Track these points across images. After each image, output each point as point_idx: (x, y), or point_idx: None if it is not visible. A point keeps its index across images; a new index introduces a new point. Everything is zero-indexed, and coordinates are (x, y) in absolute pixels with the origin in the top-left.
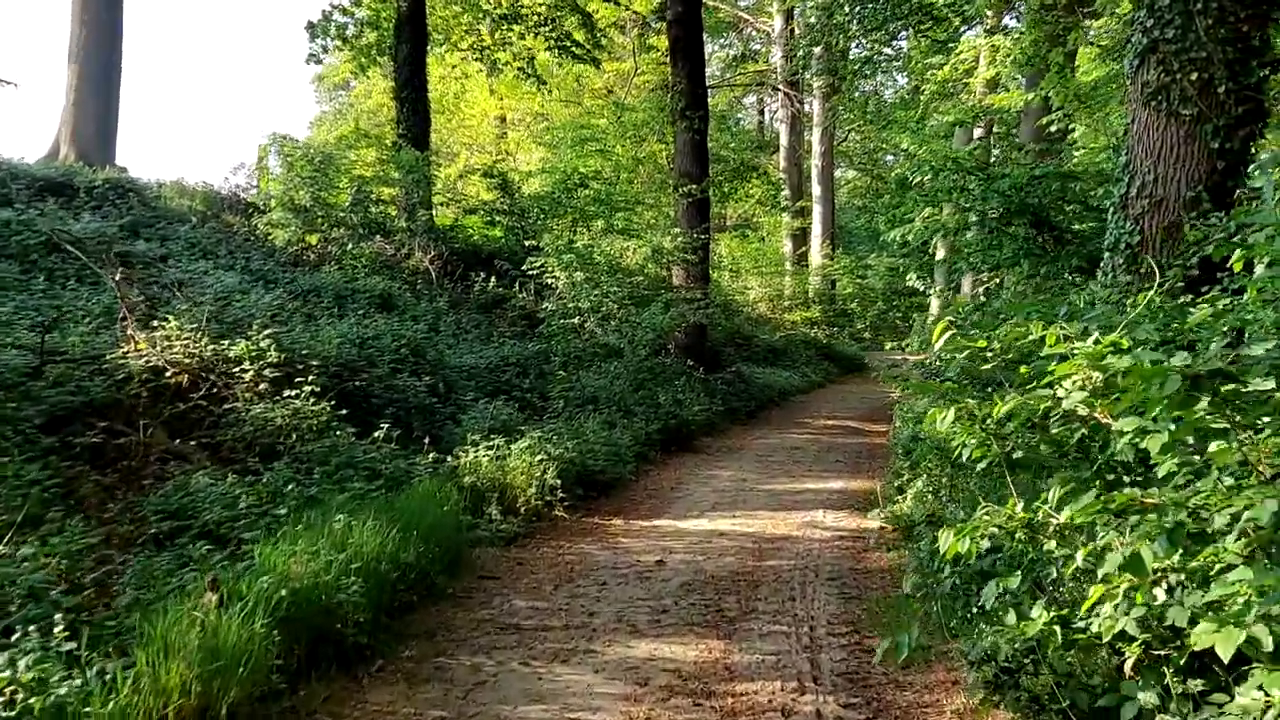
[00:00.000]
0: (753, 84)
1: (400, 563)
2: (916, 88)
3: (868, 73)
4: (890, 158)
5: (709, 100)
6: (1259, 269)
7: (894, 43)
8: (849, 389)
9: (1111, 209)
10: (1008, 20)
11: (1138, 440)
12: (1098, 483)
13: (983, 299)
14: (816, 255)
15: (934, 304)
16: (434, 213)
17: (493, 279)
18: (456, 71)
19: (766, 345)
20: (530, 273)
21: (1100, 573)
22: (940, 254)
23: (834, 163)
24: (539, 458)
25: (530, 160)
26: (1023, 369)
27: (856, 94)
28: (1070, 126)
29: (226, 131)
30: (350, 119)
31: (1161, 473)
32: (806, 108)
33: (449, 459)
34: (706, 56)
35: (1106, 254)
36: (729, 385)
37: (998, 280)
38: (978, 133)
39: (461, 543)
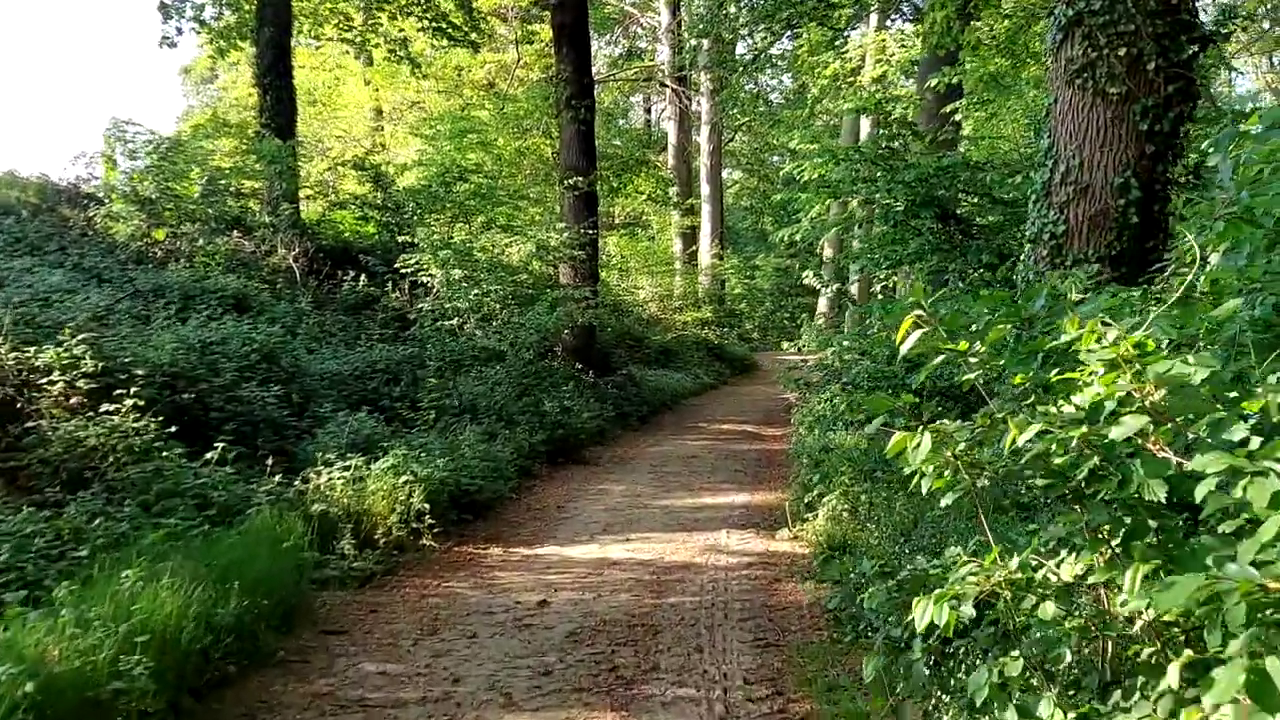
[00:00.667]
0: (640, 79)
1: (215, 625)
2: (803, 86)
3: (754, 70)
4: (777, 158)
5: (595, 94)
6: (1214, 258)
7: (780, 42)
8: (742, 390)
9: (1033, 197)
10: (895, 21)
11: (1214, 485)
12: (1178, 549)
13: (880, 297)
14: (706, 255)
15: (822, 303)
16: (301, 207)
17: (362, 277)
18: (330, 62)
19: (658, 346)
20: (404, 271)
21: (1206, 700)
22: (828, 252)
23: (722, 162)
24: (404, 479)
25: (407, 153)
26: (1017, 378)
27: (743, 93)
28: (968, 117)
29: (87, 128)
30: (217, 111)
31: (1270, 534)
32: (695, 106)
33: (297, 482)
34: (592, 54)
35: (1028, 245)
36: (620, 389)
37: (896, 277)
38: (865, 129)
39: (303, 589)
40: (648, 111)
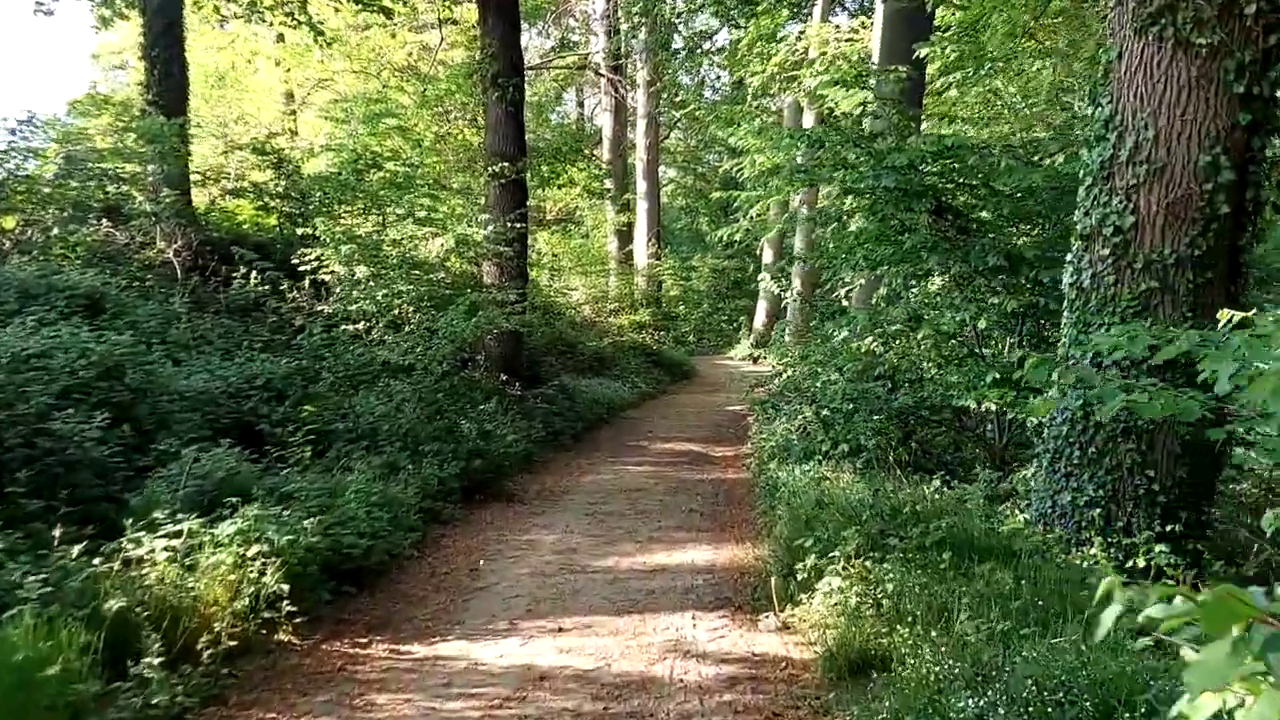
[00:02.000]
0: (573, 69)
1: None
2: (740, 81)
3: (693, 63)
4: (714, 155)
5: (526, 78)
6: None
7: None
8: (682, 400)
9: (1087, 181)
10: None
11: None
12: None
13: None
14: (643, 254)
15: (760, 306)
16: (192, 195)
17: (252, 274)
18: (243, 44)
19: (593, 353)
20: (301, 268)
21: None
22: (768, 256)
23: (659, 158)
24: (255, 549)
25: (318, 139)
26: None
27: (681, 87)
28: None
29: None
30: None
31: None
32: (631, 101)
33: (98, 561)
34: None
35: (1078, 243)
36: (551, 403)
37: (861, 281)
38: (808, 123)
39: None
40: (581, 105)
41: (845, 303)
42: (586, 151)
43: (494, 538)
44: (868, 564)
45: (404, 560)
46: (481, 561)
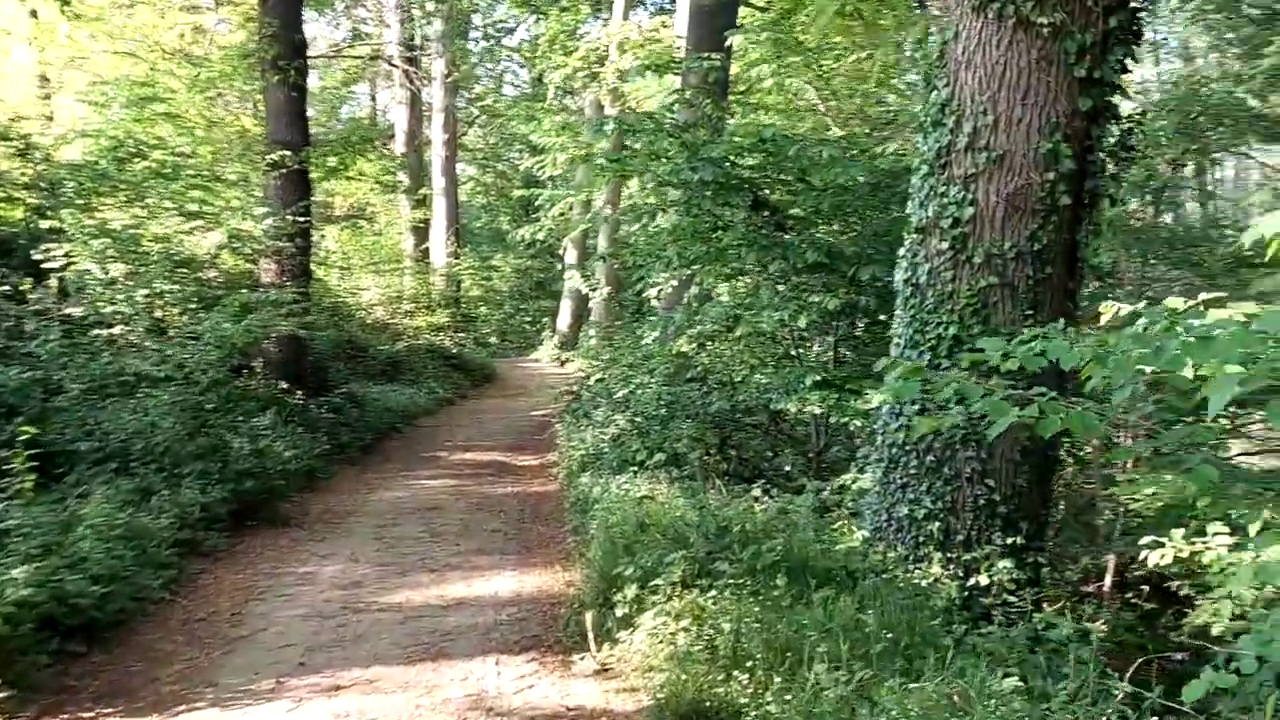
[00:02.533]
0: (366, 60)
1: None
2: (540, 78)
3: (491, 56)
4: (515, 152)
5: (316, 76)
6: None
7: (514, 33)
8: (484, 405)
9: (923, 169)
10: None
11: None
12: None
13: (694, 304)
14: (440, 253)
15: (565, 307)
16: None
17: None
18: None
19: (386, 357)
20: (46, 265)
21: None
22: (571, 256)
23: (457, 154)
24: None
25: (74, 124)
26: None
27: (479, 81)
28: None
29: None
30: None
31: None
32: (426, 96)
33: None
34: (310, 39)
35: (913, 235)
36: (338, 412)
37: (710, 280)
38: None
39: None
40: (374, 99)
41: (655, 302)
42: (380, 145)
43: (265, 571)
44: (696, 594)
45: (152, 606)
46: (248, 602)
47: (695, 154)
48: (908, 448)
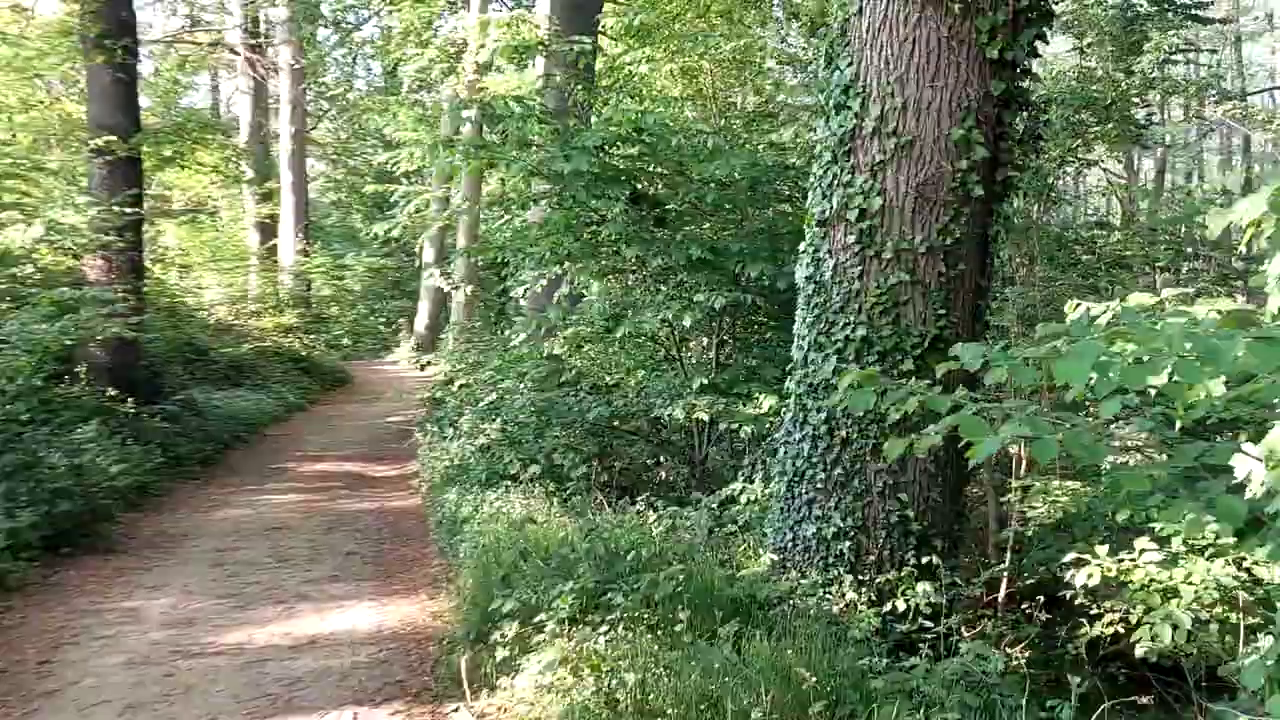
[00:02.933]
0: (206, 47)
1: None
2: (394, 70)
3: (345, 46)
4: (367, 149)
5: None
6: None
7: (366, 25)
8: (337, 411)
9: (826, 156)
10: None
11: None
12: None
13: (564, 303)
14: (289, 250)
15: (423, 308)
16: None
17: None
18: None
19: (230, 361)
20: None
21: None
22: (428, 255)
23: (306, 148)
24: None
25: None
26: None
27: (325, 67)
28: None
29: None
30: None
31: None
32: (273, 89)
33: None
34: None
35: (815, 229)
36: (174, 421)
37: (584, 277)
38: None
39: None
40: (215, 90)
41: (523, 302)
42: (221, 136)
43: (83, 608)
44: (588, 631)
45: None
46: (59, 648)
47: (568, 142)
48: (814, 460)
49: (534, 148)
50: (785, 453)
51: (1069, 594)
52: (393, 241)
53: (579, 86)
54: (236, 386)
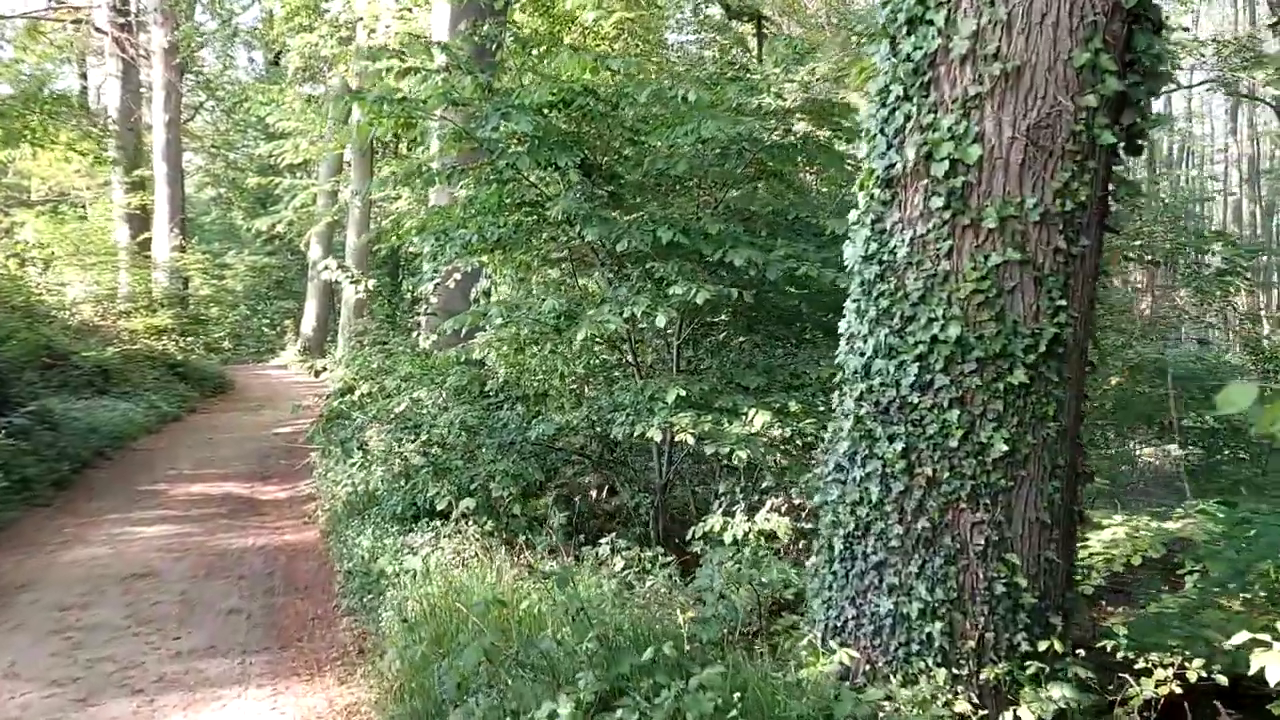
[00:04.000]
0: (67, 24)
1: None
2: (278, 59)
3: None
4: (249, 142)
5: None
6: None
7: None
8: (218, 420)
9: (895, 90)
10: None
11: None
12: None
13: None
14: (163, 246)
15: (310, 308)
16: None
17: None
18: None
19: (94, 366)
20: None
21: None
22: (315, 252)
23: (181, 137)
24: None
25: None
26: None
27: (205, 61)
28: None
29: None
30: None
31: None
32: (145, 77)
33: None
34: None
35: (876, 191)
36: (24, 437)
37: (520, 267)
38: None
39: None
40: (84, 78)
41: (432, 299)
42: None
43: None
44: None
45: None
46: None
47: (507, 100)
48: (886, 508)
49: (460, 106)
50: (840, 496)
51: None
52: (276, 239)
53: (507, 35)
54: (102, 394)
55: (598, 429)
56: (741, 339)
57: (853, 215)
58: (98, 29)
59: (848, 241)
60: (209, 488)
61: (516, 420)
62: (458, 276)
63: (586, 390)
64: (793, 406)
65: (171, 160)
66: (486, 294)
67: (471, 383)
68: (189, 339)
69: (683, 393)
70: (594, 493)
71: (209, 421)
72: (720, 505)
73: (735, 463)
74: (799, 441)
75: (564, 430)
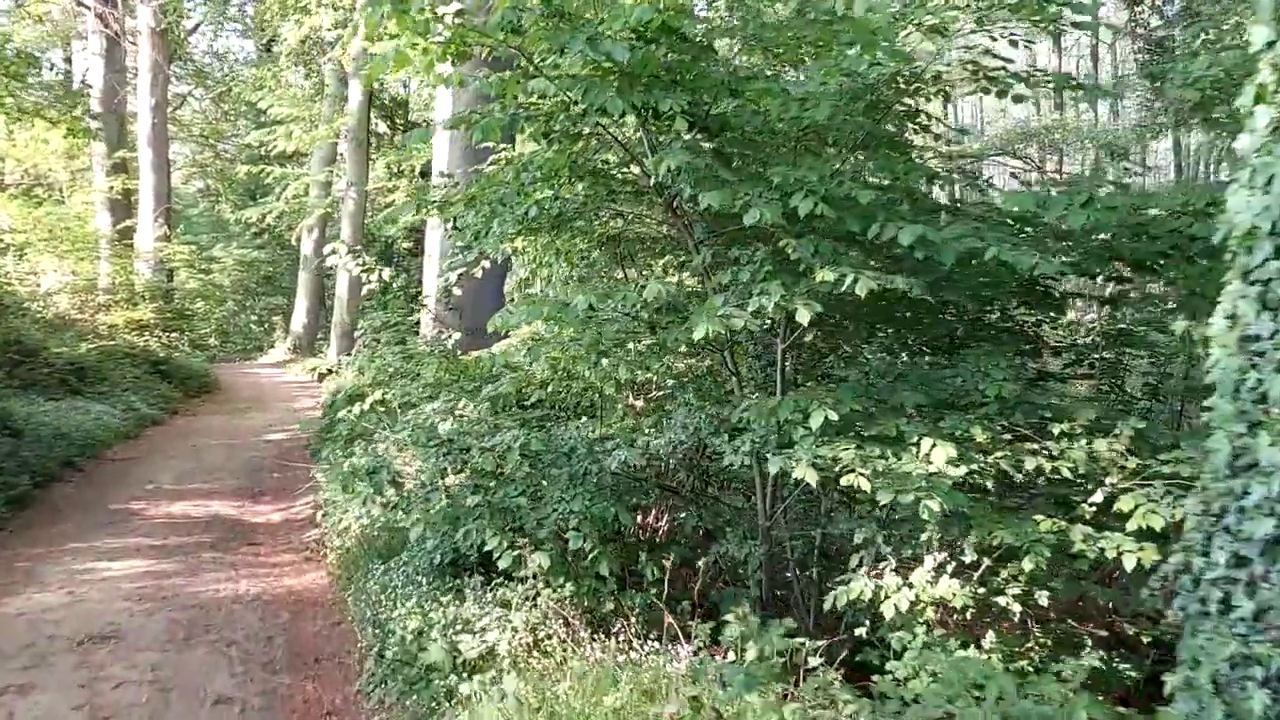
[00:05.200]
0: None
1: None
2: (270, 46)
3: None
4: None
5: None
6: None
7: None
8: (202, 424)
9: None
10: None
11: None
12: None
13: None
14: (148, 236)
15: (300, 304)
16: None
17: None
18: None
19: (67, 363)
20: None
21: None
22: (307, 246)
23: (167, 122)
24: None
25: None
26: None
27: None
28: None
29: None
30: None
31: None
32: (132, 63)
33: None
34: None
35: None
36: None
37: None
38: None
39: None
40: (68, 61)
41: (456, 291)
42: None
43: None
44: None
45: None
46: None
47: (582, 29)
48: None
49: (518, 32)
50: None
51: None
52: (266, 232)
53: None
54: (75, 395)
55: (684, 456)
56: (867, 344)
57: (1245, 143)
58: (80, 2)
59: (1232, 190)
60: (192, 507)
61: (584, 443)
62: (486, 264)
63: (654, 406)
64: (978, 434)
65: (157, 146)
66: (522, 286)
67: (510, 392)
68: (173, 335)
69: (833, 415)
70: (689, 534)
71: (193, 425)
72: (862, 561)
73: (923, 514)
74: (984, 483)
75: (654, 456)
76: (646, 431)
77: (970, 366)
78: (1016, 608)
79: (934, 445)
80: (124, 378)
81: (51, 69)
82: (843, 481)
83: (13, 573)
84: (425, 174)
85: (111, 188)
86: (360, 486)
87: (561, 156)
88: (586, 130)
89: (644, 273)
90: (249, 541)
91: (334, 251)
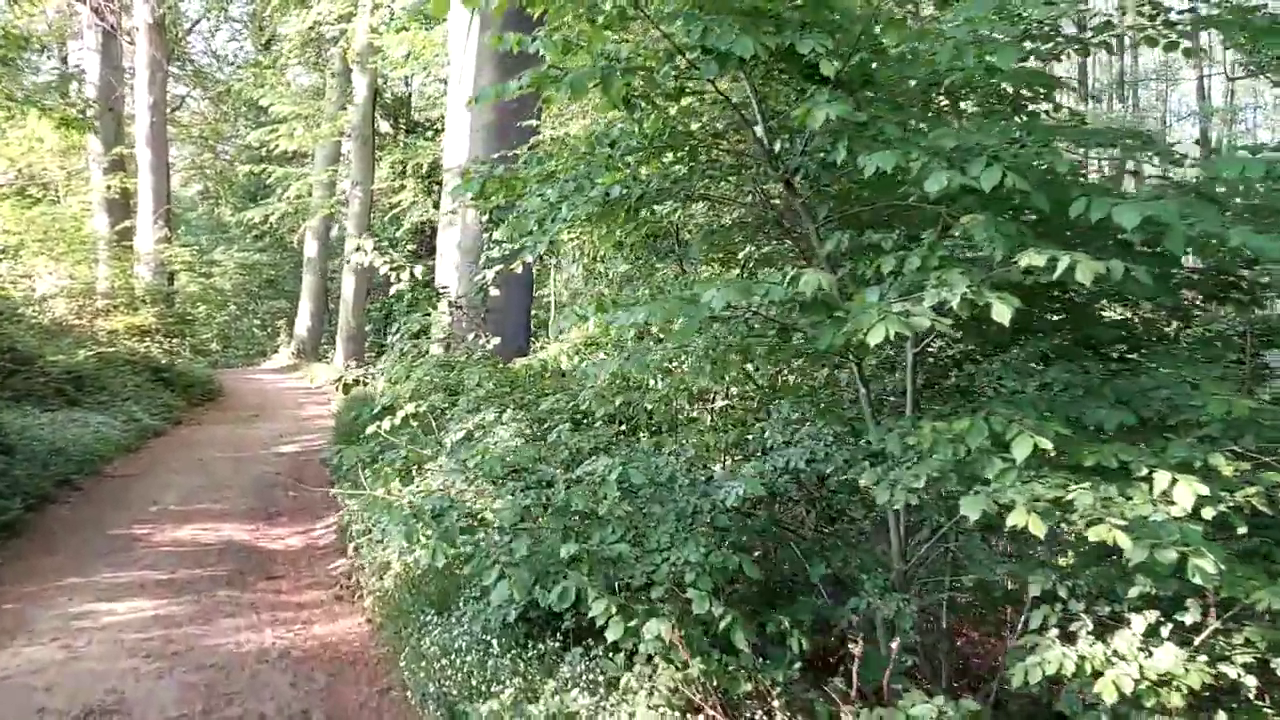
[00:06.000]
0: None
1: None
2: (270, 42)
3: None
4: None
5: None
6: None
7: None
8: (207, 435)
9: None
10: None
11: None
12: None
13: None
14: (147, 238)
15: (304, 308)
16: None
17: None
18: None
19: (66, 371)
20: None
21: None
22: (311, 248)
23: (167, 121)
24: None
25: None
26: None
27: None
28: None
29: None
30: None
31: None
32: (130, 61)
33: None
34: None
35: None
36: None
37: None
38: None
39: None
40: (64, 61)
41: (494, 291)
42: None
43: None
44: None
45: None
46: None
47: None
48: None
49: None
50: None
51: None
52: (267, 235)
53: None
54: (73, 405)
55: (804, 487)
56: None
57: None
58: None
59: None
60: (201, 531)
61: (683, 470)
62: (529, 259)
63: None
64: (1223, 466)
65: (156, 146)
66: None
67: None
68: (174, 340)
69: (1045, 443)
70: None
71: (197, 436)
72: (1045, 622)
73: (1193, 576)
74: (1236, 524)
75: (773, 486)
76: (735, 456)
77: (1171, 375)
78: (1251, 680)
79: (1174, 481)
80: (124, 386)
81: (44, 54)
82: (1090, 534)
83: (1, 617)
84: (430, 174)
85: (109, 187)
86: (427, 538)
87: (656, 121)
88: (690, 86)
89: (699, 269)
90: (268, 574)
91: (359, 249)
